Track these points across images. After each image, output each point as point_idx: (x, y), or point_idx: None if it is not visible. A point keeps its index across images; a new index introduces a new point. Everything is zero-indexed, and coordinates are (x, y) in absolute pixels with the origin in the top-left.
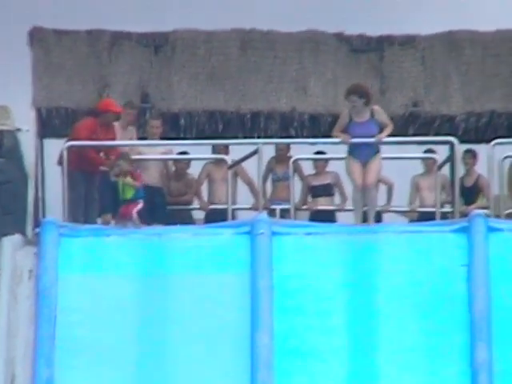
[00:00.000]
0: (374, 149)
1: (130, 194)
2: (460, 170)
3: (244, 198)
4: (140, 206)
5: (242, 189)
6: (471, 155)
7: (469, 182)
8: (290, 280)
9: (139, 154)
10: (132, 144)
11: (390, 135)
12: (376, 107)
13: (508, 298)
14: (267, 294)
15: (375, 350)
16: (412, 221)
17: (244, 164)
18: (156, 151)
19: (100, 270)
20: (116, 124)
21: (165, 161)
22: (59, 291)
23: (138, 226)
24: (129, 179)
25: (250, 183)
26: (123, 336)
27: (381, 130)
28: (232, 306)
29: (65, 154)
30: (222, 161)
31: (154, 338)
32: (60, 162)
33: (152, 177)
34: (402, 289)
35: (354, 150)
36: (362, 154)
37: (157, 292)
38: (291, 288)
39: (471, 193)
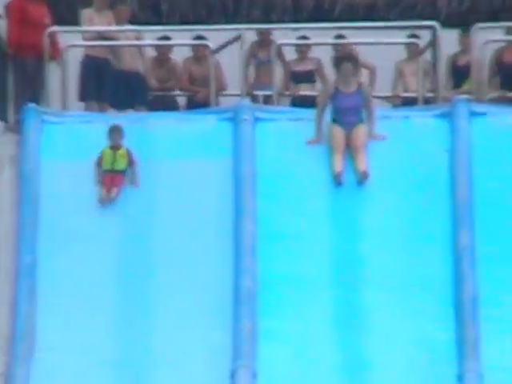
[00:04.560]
0: (358, 118)
1: (121, 166)
2: (442, 56)
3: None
4: (124, 182)
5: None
6: (467, 35)
7: (462, 61)
8: (273, 166)
9: (114, 38)
10: (101, 30)
11: (372, 19)
12: (364, 81)
13: (490, 183)
14: (250, 180)
15: (358, 233)
16: (395, 106)
17: (226, 50)
18: (127, 36)
19: (83, 157)
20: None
21: (138, 47)
22: (42, 177)
23: (112, 199)
24: (123, 151)
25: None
26: (107, 221)
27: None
28: (215, 191)
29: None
30: (202, 58)
31: (137, 224)
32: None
33: (128, 62)
34: (383, 173)
35: (338, 118)
36: (347, 122)
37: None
38: (274, 173)
39: (463, 73)
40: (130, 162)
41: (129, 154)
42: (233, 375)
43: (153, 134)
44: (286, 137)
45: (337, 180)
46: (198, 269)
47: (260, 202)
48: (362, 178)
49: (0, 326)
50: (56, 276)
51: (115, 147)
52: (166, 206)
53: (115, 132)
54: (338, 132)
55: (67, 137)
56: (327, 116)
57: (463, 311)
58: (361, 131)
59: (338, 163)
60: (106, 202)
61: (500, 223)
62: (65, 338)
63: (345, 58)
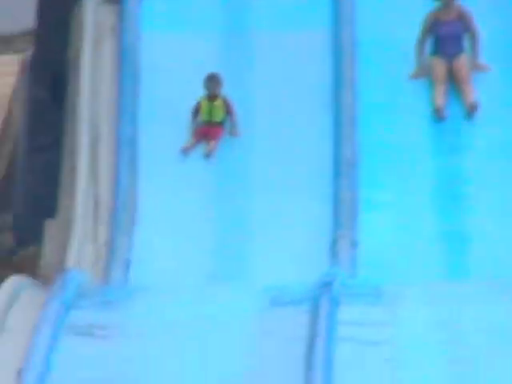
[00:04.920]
0: (460, 47)
1: (219, 118)
2: None
3: None
4: (223, 133)
5: None
6: None
7: None
8: (374, 34)
9: None
10: None
11: None
12: (466, 8)
13: None
14: (350, 49)
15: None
16: None
17: None
18: None
19: (183, 27)
20: None
21: None
22: (142, 49)
23: (210, 151)
24: (220, 101)
25: None
26: None
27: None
28: (315, 62)
29: None
30: None
31: (235, 96)
32: None
33: None
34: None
35: (438, 49)
36: (448, 52)
37: (240, 49)
38: (375, 41)
39: None
40: (229, 112)
41: (226, 104)
42: (333, 245)
43: (253, 3)
44: (387, 5)
45: (438, 114)
46: (299, 140)
47: (360, 71)
48: (470, 110)
49: (102, 196)
50: (157, 147)
51: (212, 97)
52: (264, 78)
53: (212, 81)
54: (439, 64)
55: (168, 7)
56: (428, 47)
57: None
58: (463, 60)
59: (440, 96)
60: (189, 152)
61: None
62: (166, 209)
63: None
